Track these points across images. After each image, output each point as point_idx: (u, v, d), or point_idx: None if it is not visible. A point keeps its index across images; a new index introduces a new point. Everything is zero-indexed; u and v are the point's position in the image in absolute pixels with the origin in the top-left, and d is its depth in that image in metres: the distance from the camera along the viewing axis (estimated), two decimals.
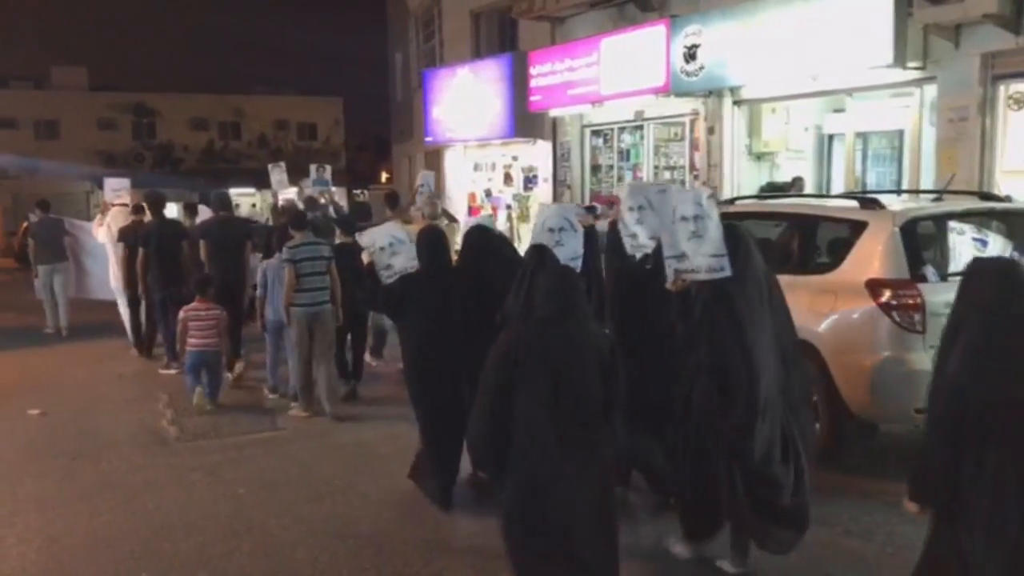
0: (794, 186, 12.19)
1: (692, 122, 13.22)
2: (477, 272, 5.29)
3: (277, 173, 11.40)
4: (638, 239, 5.02)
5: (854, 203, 6.02)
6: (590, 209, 14.41)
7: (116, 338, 10.81)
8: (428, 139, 20.48)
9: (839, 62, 10.14)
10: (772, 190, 12.51)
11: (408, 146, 25.53)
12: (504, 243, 5.95)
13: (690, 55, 11.81)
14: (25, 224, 16.72)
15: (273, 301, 7.62)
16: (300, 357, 7.33)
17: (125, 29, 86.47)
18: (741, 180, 12.56)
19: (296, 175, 12.10)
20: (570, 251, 5.05)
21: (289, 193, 11.72)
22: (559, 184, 15.97)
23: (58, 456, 6.53)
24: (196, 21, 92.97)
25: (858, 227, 5.63)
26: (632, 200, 5.09)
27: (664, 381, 4.58)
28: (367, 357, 8.70)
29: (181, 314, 7.80)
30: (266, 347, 8.18)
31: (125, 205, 10.46)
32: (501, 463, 3.79)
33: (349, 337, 8.18)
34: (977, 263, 3.52)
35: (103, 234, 10.56)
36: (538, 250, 4.82)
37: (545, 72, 14.81)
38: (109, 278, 10.60)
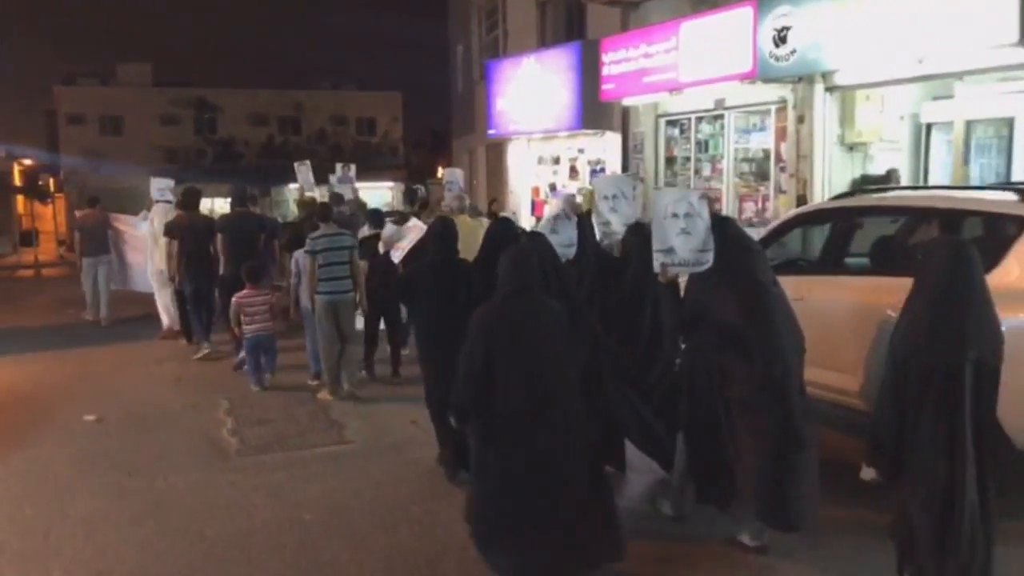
0: (890, 179, 11.32)
1: (778, 111, 12.35)
2: (493, 262, 5.13)
3: (304, 172, 11.70)
4: (611, 226, 5.46)
5: (1011, 195, 5.21)
6: None
7: (169, 335, 10.73)
8: (491, 132, 19.89)
9: (951, 42, 9.20)
10: (866, 183, 11.64)
11: (469, 139, 24.97)
12: (521, 236, 5.94)
13: (780, 38, 10.95)
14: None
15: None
16: (325, 342, 7.66)
17: (188, 26, 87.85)
18: (832, 172, 11.67)
19: (357, 171, 12.43)
20: (564, 238, 5.31)
21: (313, 191, 12.19)
22: (632, 177, 15.19)
23: (113, 470, 6.08)
24: (257, 17, 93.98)
25: (1020, 223, 4.81)
26: (607, 190, 5.52)
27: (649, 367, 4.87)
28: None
29: (234, 301, 8.14)
30: (305, 334, 8.36)
31: (169, 202, 10.90)
32: (484, 426, 4.09)
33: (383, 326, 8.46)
34: (932, 243, 3.81)
35: (146, 228, 11.16)
36: (532, 236, 5.19)
37: (619, 59, 14.05)
38: (146, 271, 11.19)
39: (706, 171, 13.94)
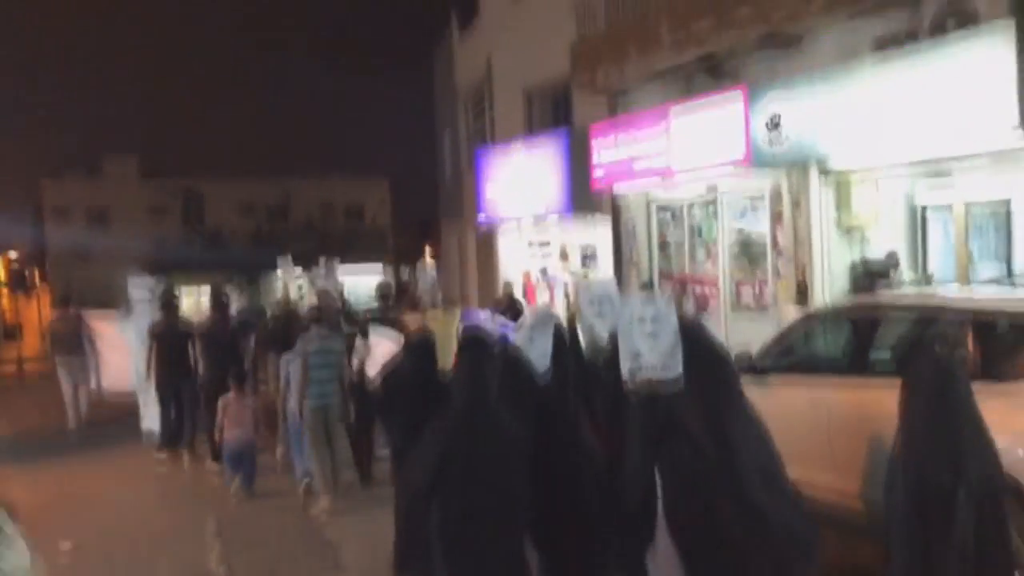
0: (890, 262, 11.18)
1: (773, 196, 12.26)
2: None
3: (284, 264, 11.79)
4: (595, 330, 5.29)
5: None
6: (647, 286, 13.59)
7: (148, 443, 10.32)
8: (481, 217, 19.84)
9: (949, 127, 9.17)
10: (866, 267, 11.49)
11: (458, 224, 24.95)
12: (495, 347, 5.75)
13: (773, 125, 10.93)
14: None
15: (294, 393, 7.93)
16: (316, 450, 7.53)
17: (175, 117, 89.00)
18: (831, 257, 11.51)
19: (342, 257, 12.83)
20: (541, 349, 5.06)
21: (294, 283, 12.25)
22: (625, 263, 15.05)
23: None
24: (244, 107, 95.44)
25: None
26: (591, 294, 5.42)
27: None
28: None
29: (220, 402, 8.10)
30: (287, 437, 8.28)
31: (150, 302, 10.78)
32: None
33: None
34: (917, 351, 3.67)
35: (128, 329, 11.13)
36: (507, 349, 4.94)
37: (608, 146, 14.05)
38: (126, 370, 11.11)
39: (700, 256, 13.79)
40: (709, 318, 13.46)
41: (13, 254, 49.11)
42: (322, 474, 7.52)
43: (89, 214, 42.57)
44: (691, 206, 13.82)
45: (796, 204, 11.61)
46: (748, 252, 13.07)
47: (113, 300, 14.44)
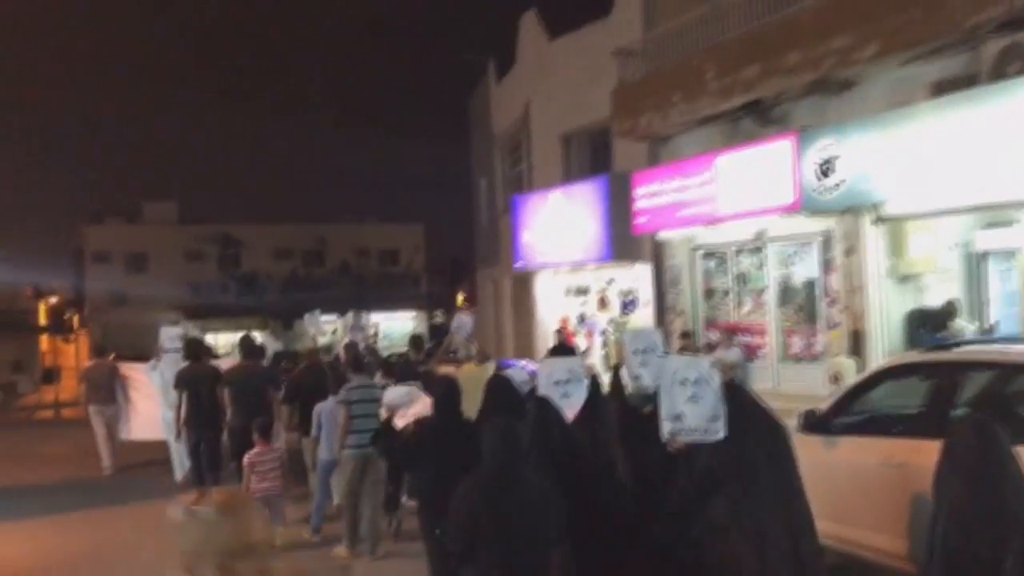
0: (949, 311, 10.74)
1: (823, 242, 11.94)
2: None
3: (313, 322, 11.92)
4: (642, 380, 5.24)
5: None
6: (689, 335, 13.23)
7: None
8: (518, 264, 19.62)
9: (1010, 171, 8.82)
10: (924, 316, 11.06)
11: (494, 271, 24.75)
12: (518, 396, 5.78)
13: (825, 170, 10.64)
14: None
15: (329, 442, 7.87)
16: (348, 498, 7.51)
17: (214, 163, 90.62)
18: (888, 304, 11.12)
19: (376, 302, 12.36)
20: (576, 401, 5.13)
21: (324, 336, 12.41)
22: (668, 311, 14.72)
23: None
24: (281, 154, 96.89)
25: None
26: (637, 344, 5.35)
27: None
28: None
29: (245, 460, 7.93)
30: (313, 487, 8.35)
31: (179, 351, 10.79)
32: None
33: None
34: (958, 424, 3.57)
35: (157, 378, 11.26)
36: (539, 402, 4.96)
37: (651, 193, 13.82)
38: (157, 419, 11.17)
39: (747, 304, 13.43)
40: (756, 368, 13.07)
41: (54, 299, 49.81)
42: (348, 522, 7.53)
43: (128, 259, 43.07)
44: (738, 252, 13.50)
45: (849, 251, 11.27)
46: (798, 300, 12.70)
47: (148, 344, 14.33)
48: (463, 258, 64.12)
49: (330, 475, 8.12)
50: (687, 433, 4.33)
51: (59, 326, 46.67)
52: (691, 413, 4.31)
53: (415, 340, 10.57)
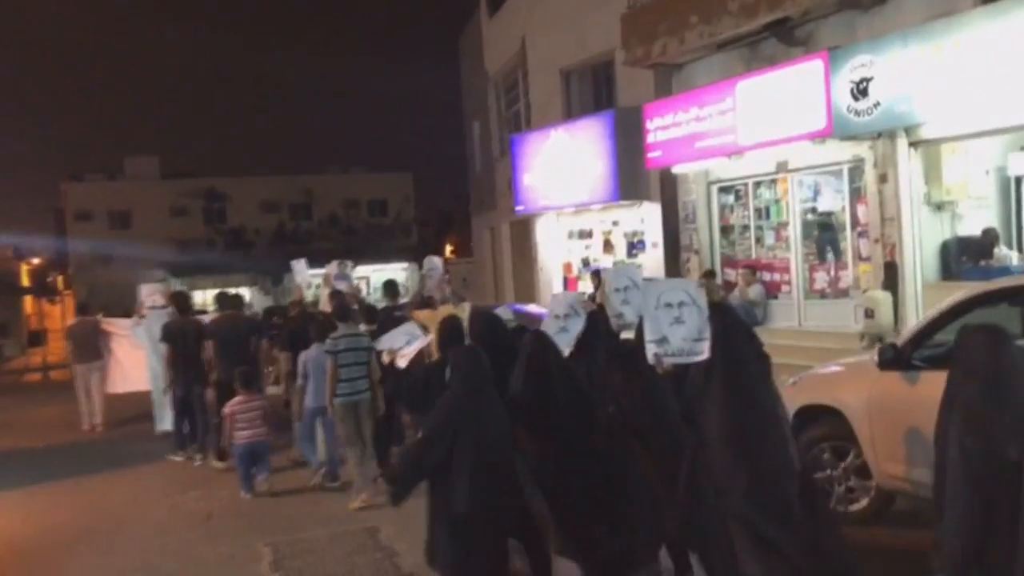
0: (988, 239, 10.17)
1: (852, 170, 11.26)
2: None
3: (300, 270, 11.41)
4: (624, 318, 5.38)
5: None
6: (710, 274, 12.64)
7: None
8: (519, 208, 18.88)
9: None
10: (962, 246, 10.48)
11: (490, 217, 24.03)
12: (506, 332, 5.74)
13: (860, 91, 9.91)
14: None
15: (315, 389, 7.92)
16: (348, 444, 7.57)
17: (196, 117, 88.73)
18: (922, 234, 10.50)
19: (367, 254, 12.00)
20: (572, 337, 5.27)
21: (312, 287, 12.06)
22: (683, 250, 14.06)
23: None
24: (265, 103, 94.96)
25: None
26: (617, 281, 5.51)
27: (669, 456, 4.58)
28: None
29: (227, 408, 7.98)
30: (304, 434, 8.38)
31: (164, 307, 10.79)
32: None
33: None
34: (967, 331, 3.51)
35: (142, 333, 11.18)
36: (536, 336, 5.03)
37: (666, 125, 13.05)
38: (142, 371, 11.17)
39: (768, 239, 12.78)
40: (779, 306, 12.50)
41: (36, 260, 48.83)
42: (360, 469, 7.52)
43: (111, 217, 41.96)
44: (757, 185, 12.81)
45: (883, 178, 10.60)
46: (823, 233, 12.06)
47: (135, 303, 13.92)
48: (454, 207, 63.37)
49: (315, 421, 8.17)
50: (672, 355, 4.32)
51: (43, 288, 45.86)
52: (676, 335, 4.30)
53: (389, 286, 10.26)
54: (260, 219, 43.36)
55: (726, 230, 13.58)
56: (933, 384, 5.15)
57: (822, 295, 12.09)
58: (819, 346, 11.26)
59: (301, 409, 8.29)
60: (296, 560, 6.00)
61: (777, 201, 12.56)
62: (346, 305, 8.52)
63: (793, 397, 6.43)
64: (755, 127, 11.46)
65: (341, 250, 42.55)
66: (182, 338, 9.48)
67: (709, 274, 12.93)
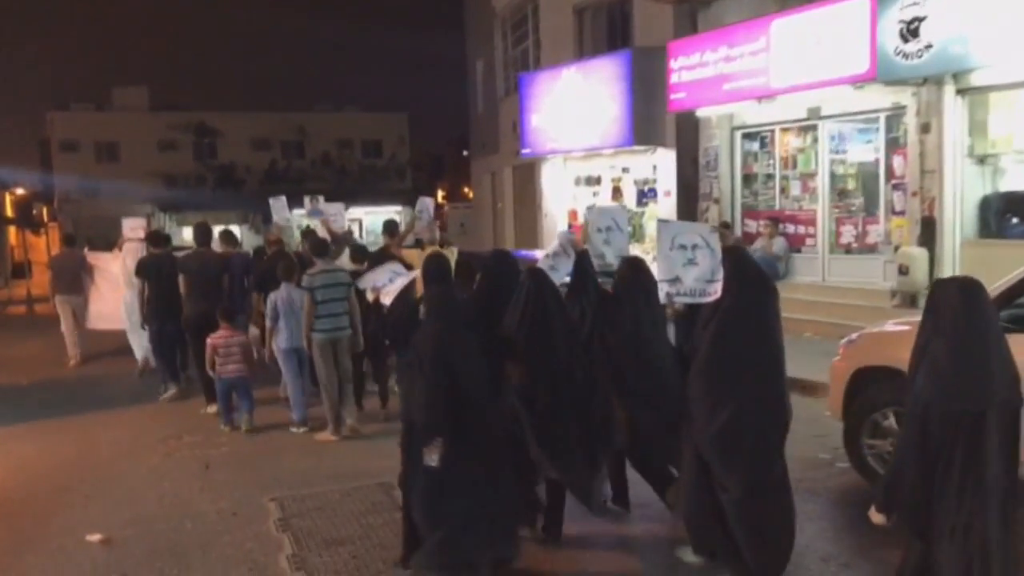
0: None
1: (890, 118, 10.64)
2: (490, 294, 5.14)
3: (279, 207, 11.01)
4: (605, 259, 5.42)
5: None
6: (727, 226, 12.08)
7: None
8: (525, 151, 18.18)
9: None
10: (1009, 202, 9.93)
11: (492, 160, 23.27)
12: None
13: (910, 31, 9.24)
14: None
15: (288, 330, 7.72)
16: (326, 382, 7.48)
17: (187, 48, 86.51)
18: (964, 189, 9.94)
19: (361, 197, 11.52)
20: (561, 275, 5.32)
21: (290, 224, 11.67)
22: (703, 198, 13.45)
23: None
24: (257, 38, 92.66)
25: None
26: (600, 222, 5.52)
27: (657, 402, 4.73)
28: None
29: (208, 342, 7.92)
30: (284, 378, 8.12)
31: (142, 240, 10.64)
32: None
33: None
34: (941, 283, 3.53)
35: (118, 267, 11.07)
36: (533, 273, 4.95)
37: (691, 65, 12.35)
38: (119, 309, 10.93)
39: (794, 190, 12.19)
40: (802, 260, 11.97)
41: (20, 190, 47.76)
42: (331, 405, 7.46)
43: (98, 149, 40.75)
44: (785, 132, 12.17)
45: (925, 128, 9.99)
46: (853, 185, 11.47)
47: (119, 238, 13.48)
48: (445, 152, 62.22)
49: (291, 361, 7.86)
50: (684, 295, 4.38)
51: (27, 219, 44.78)
52: (688, 275, 4.33)
53: (389, 226, 9.90)
54: (251, 156, 42.19)
55: (748, 179, 12.98)
56: (1019, 346, 4.66)
57: (847, 250, 11.55)
58: (843, 302, 10.80)
59: (272, 351, 7.99)
60: (305, 519, 5.47)
61: (805, 149, 11.94)
62: (322, 241, 8.41)
63: (850, 357, 5.93)
64: (789, 69, 10.80)
65: (334, 191, 41.72)
66: (156, 273, 9.32)
67: (725, 226, 12.38)
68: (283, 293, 7.73)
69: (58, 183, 41.05)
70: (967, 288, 3.35)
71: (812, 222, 11.82)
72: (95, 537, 5.34)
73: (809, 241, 11.87)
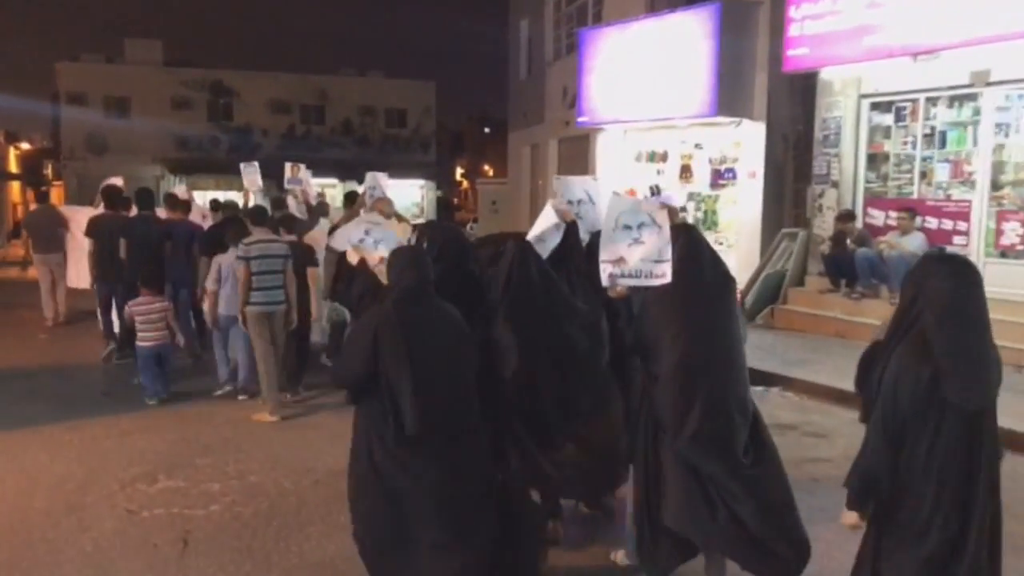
0: None
1: None
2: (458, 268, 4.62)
3: (250, 172, 10.75)
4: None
5: None
6: (848, 216, 9.84)
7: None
8: (582, 119, 15.83)
9: None
10: None
11: (534, 132, 20.93)
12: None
13: None
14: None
15: (228, 296, 7.62)
16: (261, 356, 7.29)
17: (203, 1, 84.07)
18: None
19: (382, 168, 10.19)
20: (549, 247, 4.90)
21: (259, 193, 11.15)
22: (817, 180, 11.07)
23: None
24: None
25: None
26: (570, 193, 5.23)
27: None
28: (324, 359, 8.79)
29: (127, 308, 7.82)
30: (213, 342, 8.10)
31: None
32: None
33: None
34: (929, 260, 3.17)
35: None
36: (519, 245, 4.54)
37: (819, 13, 9.97)
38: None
39: (941, 175, 9.82)
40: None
41: (26, 145, 45.74)
42: (268, 381, 7.26)
43: (107, 102, 38.44)
44: (933, 102, 9.78)
45: None
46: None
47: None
48: (465, 128, 59.60)
49: (227, 330, 7.81)
50: (628, 277, 4.00)
51: (33, 176, 42.75)
52: (634, 255, 3.96)
53: (351, 197, 9.60)
54: (269, 119, 39.80)
55: (875, 159, 10.60)
56: None
57: (1003, 253, 9.23)
58: (999, 318, 8.46)
59: (215, 316, 7.82)
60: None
61: (961, 125, 9.56)
62: (260, 209, 8.13)
63: None
64: (956, 20, 8.42)
65: (353, 160, 39.44)
66: (108, 234, 9.18)
67: (847, 216, 10.08)
68: (230, 258, 7.53)
69: (65, 137, 38.90)
70: (959, 267, 2.97)
71: (964, 216, 9.48)
72: None
73: (958, 239, 9.52)
